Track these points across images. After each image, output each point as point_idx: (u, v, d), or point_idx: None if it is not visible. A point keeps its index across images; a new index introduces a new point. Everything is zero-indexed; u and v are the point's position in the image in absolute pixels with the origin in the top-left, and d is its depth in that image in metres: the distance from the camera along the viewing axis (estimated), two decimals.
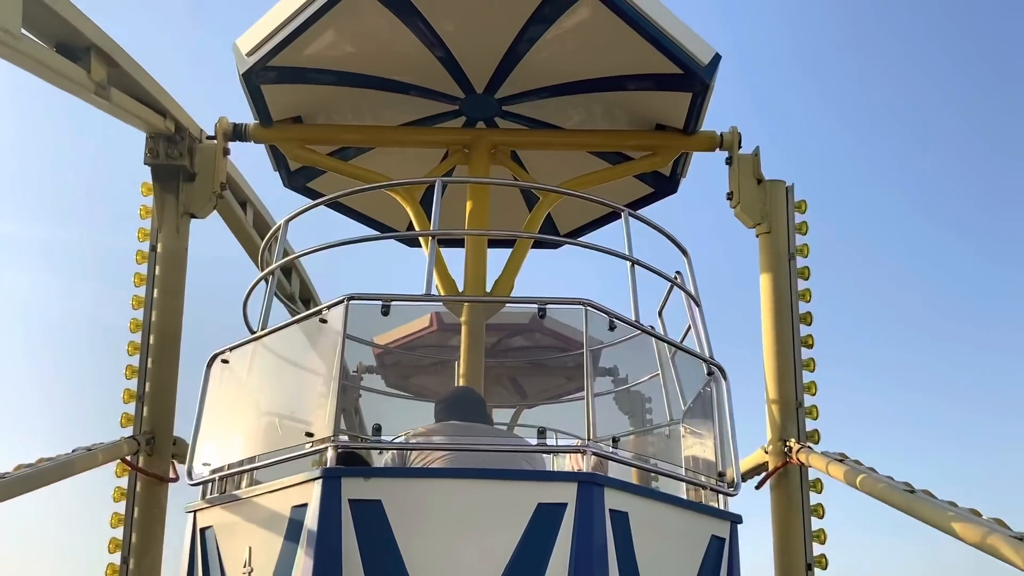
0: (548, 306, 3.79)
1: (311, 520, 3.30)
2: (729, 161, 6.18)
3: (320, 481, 3.34)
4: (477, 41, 5.49)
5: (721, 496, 4.21)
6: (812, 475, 5.69)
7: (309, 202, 5.17)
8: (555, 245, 7.49)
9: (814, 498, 5.71)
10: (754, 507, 5.78)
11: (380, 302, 3.66)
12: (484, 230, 5.59)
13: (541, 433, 3.81)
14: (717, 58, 5.57)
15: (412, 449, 3.70)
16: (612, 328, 3.81)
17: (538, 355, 6.56)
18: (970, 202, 17.96)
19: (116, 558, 5.56)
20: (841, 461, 5.24)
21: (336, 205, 7.01)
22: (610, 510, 3.37)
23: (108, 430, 5.62)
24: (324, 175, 6.70)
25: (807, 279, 6.14)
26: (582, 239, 7.54)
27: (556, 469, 4.63)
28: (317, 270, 8.08)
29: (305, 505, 3.37)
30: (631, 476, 4.70)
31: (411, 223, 6.09)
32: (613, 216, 7.00)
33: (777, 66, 18.83)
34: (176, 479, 5.68)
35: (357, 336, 5.74)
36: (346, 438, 4.16)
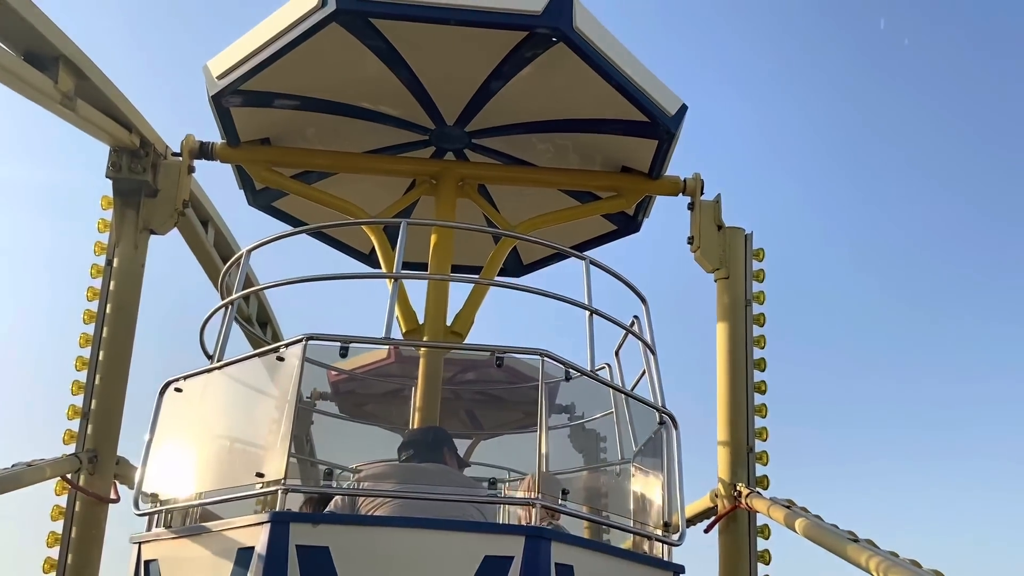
0: (506, 354, 3.82)
1: (257, 564, 3.27)
2: (691, 206, 6.29)
3: (268, 525, 3.31)
4: (450, 75, 5.52)
5: (665, 545, 4.26)
6: (760, 521, 5.78)
7: (272, 225, 5.15)
8: (516, 276, 7.53)
9: (761, 544, 5.78)
10: (703, 551, 5.85)
11: (339, 343, 3.65)
12: (445, 275, 5.62)
13: (492, 484, 3.83)
14: (683, 108, 5.69)
15: (363, 495, 3.69)
16: (568, 379, 3.84)
17: (495, 389, 6.57)
18: (927, 253, 18.51)
19: None
20: (788, 508, 5.33)
21: (298, 224, 6.97)
22: (556, 564, 3.40)
23: (51, 446, 5.51)
24: (289, 195, 6.65)
25: (763, 325, 6.26)
26: (544, 272, 7.64)
27: (508, 501, 4.62)
28: (275, 289, 8.01)
29: (252, 548, 3.34)
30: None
31: (374, 247, 6.10)
32: (577, 248, 7.07)
33: (744, 115, 19.28)
34: (117, 500, 5.56)
35: (315, 360, 5.71)
36: (298, 481, 4.12)
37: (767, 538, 5.79)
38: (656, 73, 5.50)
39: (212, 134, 6.06)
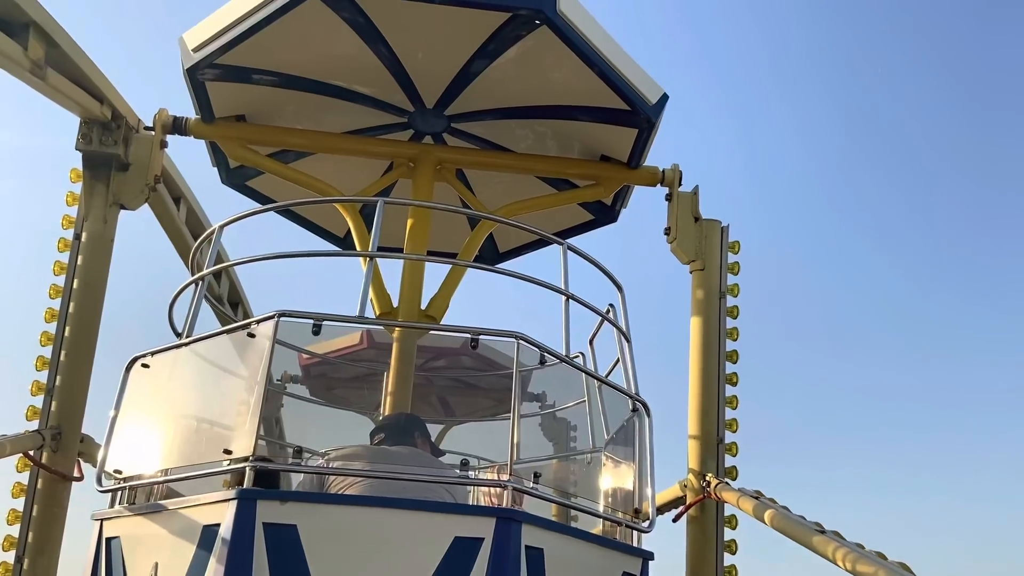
0: (480, 337, 3.79)
1: (223, 541, 3.22)
2: (669, 197, 6.30)
3: (235, 502, 3.26)
4: (431, 57, 5.47)
5: (635, 532, 4.27)
6: (728, 511, 5.82)
7: (245, 202, 5.07)
8: (493, 263, 7.50)
9: (728, 534, 5.82)
10: (671, 539, 5.89)
11: (312, 320, 3.60)
12: (422, 255, 5.57)
13: (464, 465, 3.81)
14: (664, 98, 5.68)
15: (331, 474, 3.65)
16: (542, 363, 3.83)
17: (468, 376, 6.55)
18: (915, 237, 18.69)
19: (10, 556, 5.33)
20: (756, 498, 5.37)
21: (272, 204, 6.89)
22: (526, 546, 3.39)
23: (13, 422, 5.40)
24: (263, 175, 6.56)
25: (736, 318, 6.29)
26: (519, 261, 7.62)
27: (478, 487, 4.62)
28: (247, 267, 7.89)
29: (217, 525, 3.28)
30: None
31: (349, 230, 6.03)
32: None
33: (726, 107, 19.36)
34: (80, 478, 5.47)
35: (286, 342, 5.64)
36: (266, 454, 4.07)
37: (734, 528, 5.84)
38: (640, 62, 5.50)
39: (187, 109, 5.98)
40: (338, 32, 5.15)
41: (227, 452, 3.45)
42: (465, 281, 5.80)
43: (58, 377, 5.51)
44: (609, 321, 4.81)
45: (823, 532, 4.77)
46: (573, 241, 7.26)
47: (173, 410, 4.07)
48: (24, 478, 5.41)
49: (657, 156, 6.31)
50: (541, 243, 7.36)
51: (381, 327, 5.84)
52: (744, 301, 6.31)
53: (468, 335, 3.82)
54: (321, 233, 7.38)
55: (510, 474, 3.47)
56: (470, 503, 4.36)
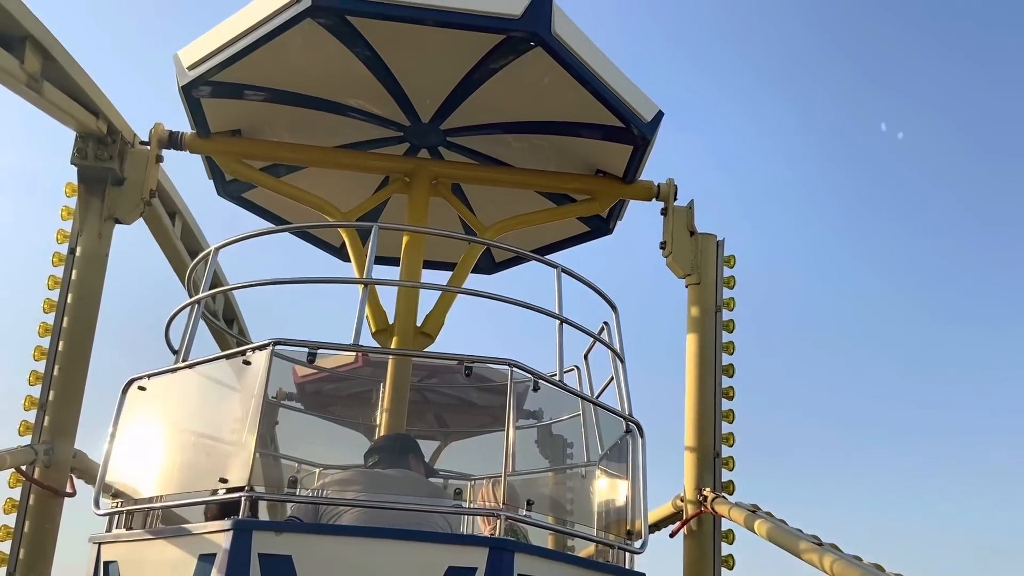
0: (475, 364, 3.80)
1: (219, 572, 3.22)
2: (664, 212, 6.30)
3: (231, 533, 3.27)
4: (426, 74, 5.47)
5: (627, 553, 4.28)
6: (725, 525, 5.82)
7: (238, 214, 5.05)
8: (489, 274, 7.51)
9: (725, 548, 5.82)
10: (669, 555, 5.89)
11: (307, 348, 3.60)
12: (416, 282, 5.58)
13: (457, 494, 3.82)
14: (659, 115, 5.69)
15: (326, 504, 3.65)
16: (536, 389, 3.84)
17: (463, 392, 6.56)
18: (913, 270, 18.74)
19: (2, 572, 5.31)
20: (754, 512, 5.38)
21: (267, 215, 6.90)
22: (519, 575, 3.40)
23: (4, 437, 5.38)
24: (259, 187, 6.55)
25: (732, 331, 6.29)
26: (516, 270, 7.62)
27: (473, 512, 4.63)
28: (241, 277, 7.88)
29: (214, 555, 3.29)
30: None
31: (344, 243, 6.04)
32: (549, 248, 7.10)
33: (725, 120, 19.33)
34: (73, 494, 5.45)
35: (282, 355, 5.63)
36: (262, 488, 4.07)
37: (731, 543, 5.84)
38: (636, 76, 5.50)
39: (183, 123, 5.96)
40: (333, 51, 5.15)
41: (223, 480, 3.45)
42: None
43: (51, 392, 5.49)
44: (602, 342, 4.82)
45: (820, 544, 4.78)
46: (569, 252, 7.35)
47: (169, 433, 4.07)
48: (16, 493, 5.37)
49: (653, 168, 6.33)
50: (537, 254, 7.36)
51: (376, 344, 5.84)
52: (740, 315, 6.34)
53: (461, 362, 3.82)
54: (317, 243, 7.38)
55: (504, 502, 3.48)
56: (465, 520, 4.36)
